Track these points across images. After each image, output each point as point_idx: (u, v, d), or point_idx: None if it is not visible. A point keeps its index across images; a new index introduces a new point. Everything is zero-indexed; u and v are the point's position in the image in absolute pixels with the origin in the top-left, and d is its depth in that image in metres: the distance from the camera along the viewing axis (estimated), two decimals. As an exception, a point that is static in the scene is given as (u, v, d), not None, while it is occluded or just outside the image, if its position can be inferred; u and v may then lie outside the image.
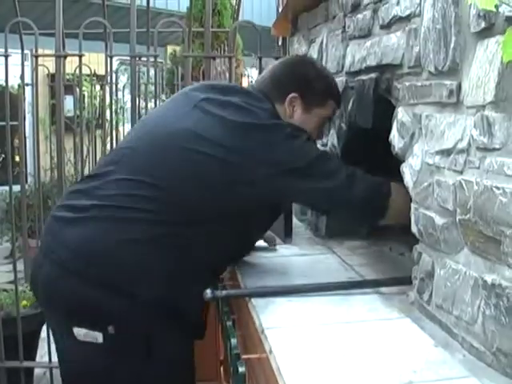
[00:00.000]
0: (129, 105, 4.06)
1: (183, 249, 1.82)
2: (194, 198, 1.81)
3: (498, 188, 1.15)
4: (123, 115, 7.01)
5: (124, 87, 6.66)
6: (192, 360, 2.02)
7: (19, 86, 4.79)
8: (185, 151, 1.82)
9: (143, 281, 1.79)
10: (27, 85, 4.95)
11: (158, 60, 3.61)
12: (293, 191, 1.89)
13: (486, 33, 1.23)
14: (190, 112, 1.93)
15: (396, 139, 1.70)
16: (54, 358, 2.83)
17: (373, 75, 1.87)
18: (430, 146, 1.49)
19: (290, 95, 2.04)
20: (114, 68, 4.94)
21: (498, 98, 1.17)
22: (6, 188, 3.79)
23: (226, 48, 4.36)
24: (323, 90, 2.10)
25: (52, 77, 4.81)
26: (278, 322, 1.52)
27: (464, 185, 1.29)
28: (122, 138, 5.97)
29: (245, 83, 6.90)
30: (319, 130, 2.17)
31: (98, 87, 6.57)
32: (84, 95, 5.70)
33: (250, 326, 1.64)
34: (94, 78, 5.80)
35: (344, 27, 2.16)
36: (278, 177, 1.81)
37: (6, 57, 3.61)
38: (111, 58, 3.78)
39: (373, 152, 2.15)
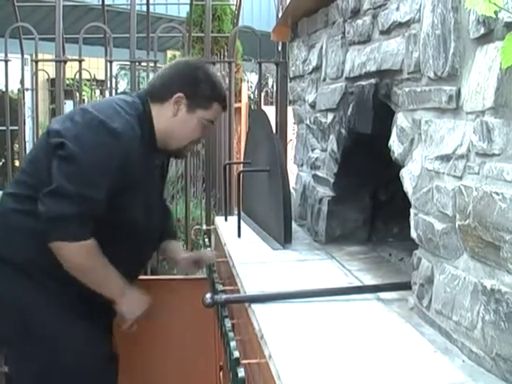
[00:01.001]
0: (129, 109, 4.05)
1: None
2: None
3: (497, 193, 1.15)
4: (123, 120, 7.01)
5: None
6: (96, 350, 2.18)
7: (19, 90, 4.80)
8: (47, 146, 2.07)
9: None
10: (27, 89, 4.96)
11: (158, 65, 3.62)
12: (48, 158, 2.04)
13: (486, 39, 1.23)
14: (65, 117, 2.18)
15: (395, 144, 1.70)
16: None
17: (372, 81, 1.88)
18: (429, 151, 1.49)
19: (177, 94, 2.16)
20: (114, 73, 4.95)
21: (498, 104, 1.18)
22: (6, 193, 3.79)
23: (226, 53, 4.37)
24: (209, 92, 2.20)
25: (52, 81, 4.83)
26: (278, 328, 1.52)
27: (463, 190, 1.29)
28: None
29: (244, 88, 6.91)
30: (202, 133, 2.27)
31: (97, 92, 6.58)
32: (84, 100, 5.70)
33: (250, 331, 1.63)
34: (94, 83, 5.82)
35: (344, 33, 2.17)
36: None
37: (6, 62, 3.62)
38: (111, 62, 3.79)
39: (372, 157, 2.16)
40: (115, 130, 2.01)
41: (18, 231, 2.10)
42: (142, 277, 3.66)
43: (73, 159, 1.97)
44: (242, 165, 3.01)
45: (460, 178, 1.33)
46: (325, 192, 2.41)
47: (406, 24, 1.63)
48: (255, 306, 1.67)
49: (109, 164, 2.00)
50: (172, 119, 2.18)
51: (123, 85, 8.12)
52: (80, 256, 2.01)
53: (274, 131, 2.99)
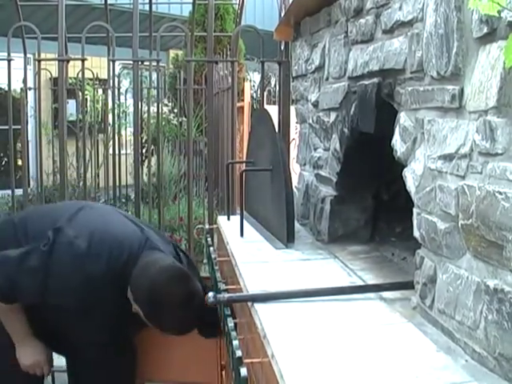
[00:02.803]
0: (131, 109, 4.06)
1: None
2: None
3: (500, 193, 1.15)
4: (125, 119, 7.03)
5: (126, 91, 6.67)
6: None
7: (22, 89, 4.80)
8: None
9: None
10: (30, 89, 4.96)
11: (161, 64, 3.63)
12: None
13: (489, 38, 1.23)
14: None
15: (398, 144, 1.70)
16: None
17: (375, 80, 1.88)
18: (432, 150, 1.49)
19: (136, 307, 2.28)
20: (117, 72, 4.96)
21: (501, 103, 1.18)
22: (9, 192, 3.81)
23: (229, 52, 4.37)
24: (162, 326, 2.30)
25: (54, 81, 4.82)
26: (280, 327, 1.52)
27: (466, 190, 1.29)
28: (124, 142, 6.00)
29: (247, 87, 6.90)
30: None
31: (100, 91, 6.58)
32: (86, 99, 5.71)
33: (252, 330, 1.63)
34: (97, 82, 5.82)
35: (346, 32, 2.16)
36: None
37: (9, 61, 3.62)
38: (113, 62, 3.80)
39: (375, 157, 2.16)
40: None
41: None
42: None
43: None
44: (244, 164, 3.01)
45: (463, 177, 1.33)
46: (327, 191, 2.41)
47: (409, 23, 1.63)
48: (258, 305, 1.67)
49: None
50: (134, 311, 2.31)
51: (126, 84, 8.14)
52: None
53: (277, 130, 2.98)
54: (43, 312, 2.36)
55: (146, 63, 4.38)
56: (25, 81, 4.38)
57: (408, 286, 1.69)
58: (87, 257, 2.26)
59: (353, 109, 2.10)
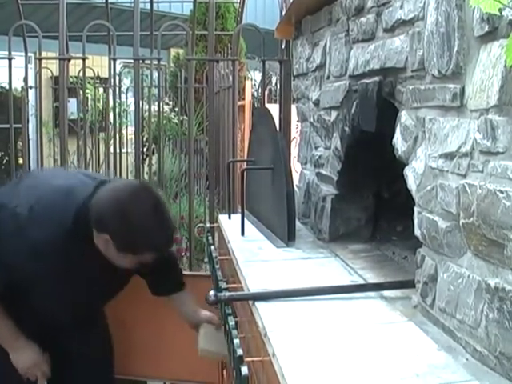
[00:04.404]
0: (132, 107, 4.06)
1: None
2: None
3: (501, 192, 1.15)
4: (126, 118, 7.03)
5: (127, 90, 6.68)
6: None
7: (23, 88, 4.80)
8: None
9: None
10: (31, 87, 4.96)
11: (162, 63, 3.63)
12: None
13: (490, 36, 1.23)
14: None
15: (399, 142, 1.70)
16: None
17: (376, 78, 1.87)
18: (433, 149, 1.49)
19: (103, 236, 2.12)
20: (118, 71, 4.96)
21: (502, 102, 1.17)
22: (10, 190, 3.79)
23: (230, 51, 4.37)
24: (138, 243, 2.12)
25: (55, 79, 4.84)
26: (281, 325, 1.52)
27: (467, 188, 1.29)
28: (125, 140, 6.00)
29: (248, 86, 6.90)
30: (140, 268, 2.27)
31: (101, 90, 6.58)
32: (87, 98, 5.71)
33: (253, 328, 1.64)
34: (98, 81, 5.82)
35: (347, 30, 2.16)
36: None
37: (10, 59, 3.62)
38: (114, 60, 3.79)
39: (376, 155, 2.16)
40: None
41: None
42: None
43: None
44: (245, 163, 3.01)
45: (464, 176, 1.33)
46: (328, 190, 2.41)
47: (410, 22, 1.63)
48: (259, 304, 1.67)
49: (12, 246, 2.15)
50: (105, 249, 2.16)
51: (127, 82, 8.13)
52: None
53: (278, 129, 2.98)
54: (22, 301, 2.28)
55: (147, 62, 4.39)
56: (26, 79, 4.38)
57: (409, 284, 1.69)
58: (30, 224, 2.13)
59: (354, 107, 2.10)
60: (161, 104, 4.46)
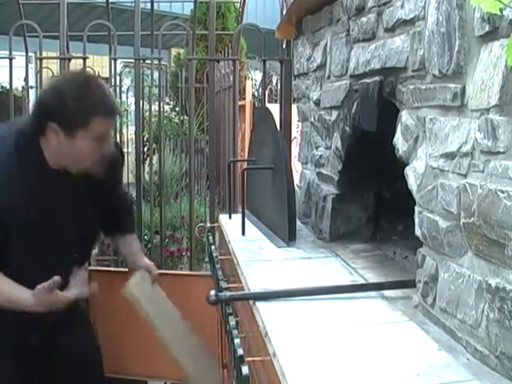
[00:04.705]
0: (133, 107, 4.07)
1: None
2: None
3: (502, 191, 1.15)
4: (127, 118, 7.02)
5: (128, 90, 6.67)
6: None
7: (23, 88, 4.80)
8: None
9: None
10: (31, 87, 4.96)
11: (162, 63, 3.63)
12: None
13: (491, 36, 1.23)
14: None
15: (400, 142, 1.70)
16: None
17: (377, 78, 1.87)
18: (434, 149, 1.49)
19: (50, 127, 2.04)
20: (118, 70, 4.95)
21: (503, 102, 1.17)
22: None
23: (230, 51, 4.37)
24: (81, 109, 2.03)
25: (56, 79, 4.82)
26: (282, 325, 1.52)
27: (468, 188, 1.29)
28: (125, 140, 6.00)
29: (248, 86, 6.90)
30: (98, 149, 2.12)
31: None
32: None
33: (254, 328, 1.64)
34: (98, 81, 5.81)
35: (348, 30, 2.16)
36: None
37: (11, 59, 3.62)
38: (115, 60, 3.80)
39: (376, 155, 2.16)
40: None
41: None
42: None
43: None
44: (246, 162, 3.01)
45: (465, 175, 1.33)
46: (329, 190, 2.41)
47: (411, 21, 1.63)
48: (259, 304, 1.67)
49: None
50: (59, 148, 2.08)
51: (127, 82, 8.13)
52: None
53: (279, 129, 2.98)
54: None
55: (148, 62, 4.38)
56: (26, 79, 4.39)
57: (409, 284, 1.69)
58: None
59: (354, 107, 2.10)
60: (161, 104, 4.46)
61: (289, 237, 2.33)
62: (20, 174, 2.08)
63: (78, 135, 2.05)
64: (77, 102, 2.02)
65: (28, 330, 2.26)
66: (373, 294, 1.75)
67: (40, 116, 2.08)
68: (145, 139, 5.14)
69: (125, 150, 5.27)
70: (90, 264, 3.31)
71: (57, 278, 2.09)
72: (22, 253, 2.13)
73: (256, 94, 9.47)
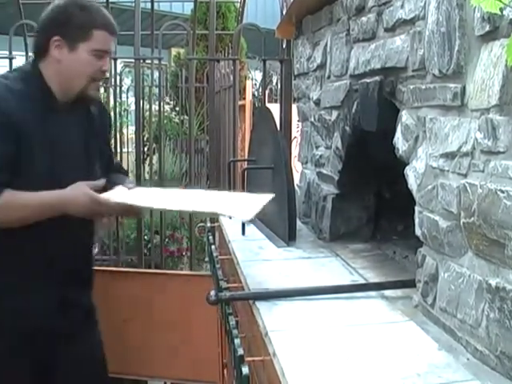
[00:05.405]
0: (133, 107, 4.07)
1: None
2: None
3: (502, 191, 1.15)
4: (127, 117, 7.03)
5: (128, 89, 6.68)
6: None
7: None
8: None
9: None
10: (31, 87, 4.95)
11: (162, 62, 3.64)
12: None
13: (491, 36, 1.23)
14: None
15: (400, 142, 1.70)
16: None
17: (377, 78, 1.87)
18: (434, 148, 1.49)
19: (52, 39, 2.10)
20: (118, 70, 4.96)
21: (503, 101, 1.17)
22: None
23: (230, 51, 4.37)
24: (82, 22, 2.11)
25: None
26: (282, 325, 1.52)
27: (468, 188, 1.29)
28: (125, 140, 6.01)
29: (249, 86, 6.90)
30: (97, 65, 2.16)
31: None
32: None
33: (254, 328, 1.64)
34: (98, 81, 5.81)
35: (348, 30, 2.16)
36: None
37: (11, 59, 3.62)
38: (115, 60, 3.80)
39: (377, 155, 2.16)
40: None
41: None
42: (147, 270, 3.67)
43: None
44: (246, 162, 3.01)
45: (465, 175, 1.33)
46: (329, 189, 2.41)
47: (411, 21, 1.63)
48: (259, 304, 1.67)
49: None
50: (59, 65, 2.13)
51: (127, 82, 8.13)
52: (12, 208, 2.02)
53: (279, 129, 2.98)
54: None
55: (148, 61, 4.38)
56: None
57: (409, 284, 1.69)
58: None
59: (354, 107, 2.10)
60: (161, 104, 4.46)
61: (289, 237, 2.33)
62: (28, 106, 2.08)
63: (80, 48, 2.12)
64: (81, 13, 2.12)
65: (39, 330, 2.21)
66: (373, 293, 1.75)
67: (44, 31, 2.15)
68: (145, 139, 5.15)
69: (125, 150, 5.28)
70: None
71: (103, 181, 2.14)
72: (34, 178, 2.09)
73: (256, 93, 9.48)
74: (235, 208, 2.01)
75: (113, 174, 2.43)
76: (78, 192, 2.06)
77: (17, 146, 2.02)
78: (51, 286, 2.20)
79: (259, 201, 2.01)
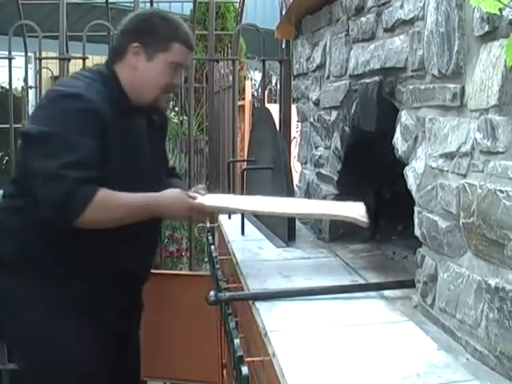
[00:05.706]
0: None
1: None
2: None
3: (501, 191, 1.15)
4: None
5: (127, 90, 6.65)
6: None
7: (23, 88, 4.80)
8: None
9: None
10: (31, 87, 4.97)
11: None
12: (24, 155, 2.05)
13: (490, 36, 1.23)
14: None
15: (399, 142, 1.70)
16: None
17: (376, 78, 1.88)
18: (433, 149, 1.49)
19: (132, 45, 2.12)
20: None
21: (502, 102, 1.17)
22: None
23: (230, 51, 4.37)
24: (165, 33, 2.13)
25: (56, 79, 4.82)
26: (281, 325, 1.52)
27: (467, 188, 1.29)
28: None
29: (248, 86, 6.90)
30: (171, 77, 2.17)
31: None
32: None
33: (253, 328, 1.64)
34: (98, 81, 5.80)
35: (347, 30, 2.16)
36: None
37: (10, 59, 3.62)
38: (115, 60, 3.77)
39: (376, 155, 2.16)
40: (75, 93, 1.99)
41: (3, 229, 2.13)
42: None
43: (42, 138, 1.94)
44: (245, 162, 3.01)
45: (464, 175, 1.33)
46: (328, 190, 2.41)
47: (410, 21, 1.63)
48: (259, 304, 1.67)
49: (81, 124, 1.95)
50: (135, 71, 2.13)
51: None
52: (108, 207, 1.97)
53: (278, 129, 2.98)
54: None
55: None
56: (26, 79, 4.39)
57: (409, 284, 1.69)
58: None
59: (354, 107, 2.10)
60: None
61: (288, 237, 2.33)
62: (111, 111, 2.06)
63: (157, 58, 2.13)
64: (164, 25, 2.14)
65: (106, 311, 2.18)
66: (372, 293, 1.75)
67: (126, 36, 2.16)
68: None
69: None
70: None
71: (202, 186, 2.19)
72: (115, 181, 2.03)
73: (255, 94, 9.48)
74: (346, 210, 1.97)
75: (170, 178, 2.47)
76: (175, 196, 2.07)
77: (105, 145, 2.00)
78: (123, 290, 2.22)
79: (352, 205, 1.98)
